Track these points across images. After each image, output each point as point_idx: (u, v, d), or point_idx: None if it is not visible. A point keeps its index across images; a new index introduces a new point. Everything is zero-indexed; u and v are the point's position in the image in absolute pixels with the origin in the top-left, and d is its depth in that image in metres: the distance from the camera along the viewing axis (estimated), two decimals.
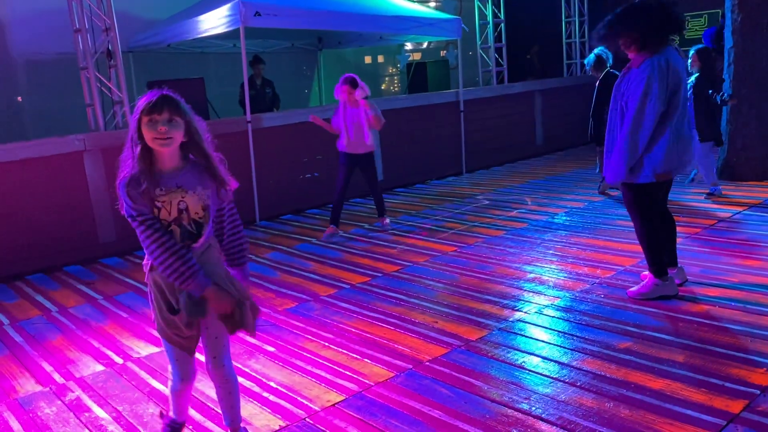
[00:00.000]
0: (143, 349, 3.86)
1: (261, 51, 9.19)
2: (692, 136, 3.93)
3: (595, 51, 6.99)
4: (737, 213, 5.83)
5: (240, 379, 3.35)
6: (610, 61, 7.01)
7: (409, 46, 11.95)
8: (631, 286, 4.20)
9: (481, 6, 10.61)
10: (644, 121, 3.67)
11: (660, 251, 4.00)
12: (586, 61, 7.44)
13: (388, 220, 6.39)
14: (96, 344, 4.00)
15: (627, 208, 4.08)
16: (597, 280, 4.43)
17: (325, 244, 5.96)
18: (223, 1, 7.05)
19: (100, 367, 3.65)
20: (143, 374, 3.52)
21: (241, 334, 2.43)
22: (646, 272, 4.16)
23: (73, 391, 3.38)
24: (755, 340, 3.35)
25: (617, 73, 6.27)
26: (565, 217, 6.24)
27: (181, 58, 8.85)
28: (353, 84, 5.82)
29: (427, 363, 3.39)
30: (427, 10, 9.30)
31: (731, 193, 6.62)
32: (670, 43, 3.77)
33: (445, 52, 12.38)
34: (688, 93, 5.30)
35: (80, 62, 6.34)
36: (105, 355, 3.82)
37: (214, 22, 6.90)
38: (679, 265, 4.23)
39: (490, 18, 10.55)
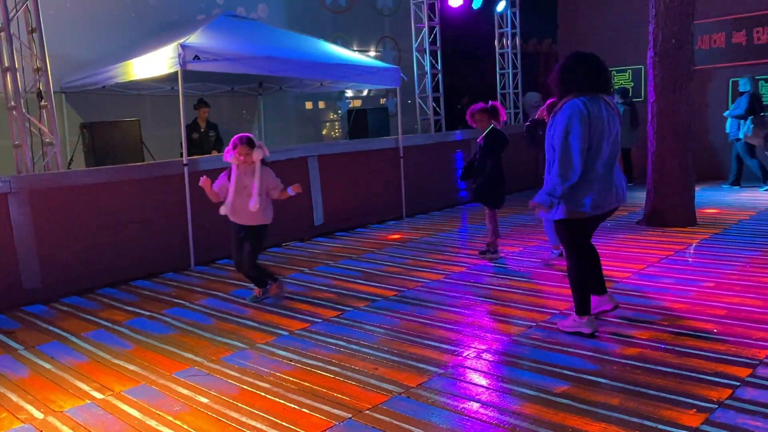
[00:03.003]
0: (66, 403, 3.64)
1: (200, 94, 9.12)
2: (616, 180, 4.08)
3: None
4: (664, 258, 6.07)
5: None
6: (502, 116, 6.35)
7: (349, 93, 12.12)
8: (567, 330, 4.30)
9: (419, 57, 10.92)
10: (572, 157, 3.88)
11: (586, 289, 4.18)
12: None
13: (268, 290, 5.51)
14: (14, 398, 3.74)
15: (562, 244, 4.30)
16: (534, 324, 4.50)
17: None
18: (161, 43, 7.01)
19: (18, 423, 3.41)
20: (65, 430, 3.31)
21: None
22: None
23: None
24: (684, 381, 3.45)
25: (500, 130, 6.30)
26: (502, 262, 6.34)
27: (116, 100, 8.67)
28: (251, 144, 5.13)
29: (367, 411, 3.33)
30: (368, 59, 9.49)
31: (659, 239, 6.90)
32: (596, 92, 3.98)
33: (384, 100, 12.61)
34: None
35: (8, 102, 6.12)
36: (24, 410, 3.58)
37: (152, 65, 6.82)
38: (608, 292, 4.43)
39: (428, 68, 10.86)
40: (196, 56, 6.44)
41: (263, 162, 5.20)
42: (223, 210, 5.23)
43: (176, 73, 6.51)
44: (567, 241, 4.19)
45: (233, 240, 5.33)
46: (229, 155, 5.12)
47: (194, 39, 6.78)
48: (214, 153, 8.31)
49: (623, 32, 11.24)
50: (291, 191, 5.27)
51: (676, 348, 3.92)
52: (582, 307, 4.17)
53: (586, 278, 4.18)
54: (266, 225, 5.31)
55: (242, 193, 5.13)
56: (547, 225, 5.92)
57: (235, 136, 5.17)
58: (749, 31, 10.49)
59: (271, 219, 5.34)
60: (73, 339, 4.77)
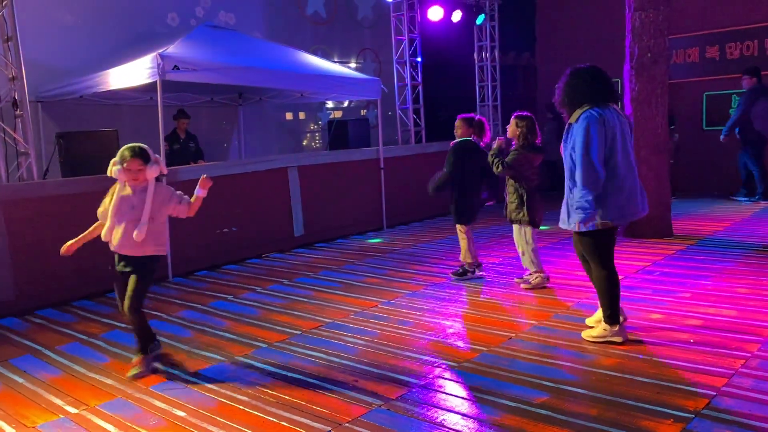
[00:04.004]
0: (39, 418, 3.56)
1: (179, 104, 9.06)
2: (638, 188, 4.22)
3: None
4: (642, 269, 6.13)
5: None
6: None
7: (330, 104, 12.13)
8: (546, 340, 4.33)
9: (399, 69, 10.98)
10: (595, 165, 3.98)
11: (617, 299, 4.23)
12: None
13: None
14: None
15: (588, 256, 4.29)
16: (513, 335, 4.51)
17: (241, 302, 5.79)
18: (140, 53, 6.96)
19: None
20: None
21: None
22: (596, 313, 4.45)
23: None
24: (662, 391, 3.48)
25: (474, 142, 5.97)
26: (481, 272, 6.35)
27: (94, 110, 8.56)
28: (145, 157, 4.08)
29: (347, 424, 3.30)
30: (348, 71, 9.51)
31: (636, 250, 6.98)
32: (605, 103, 4.12)
33: (365, 111, 12.63)
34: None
35: None
36: None
37: (130, 75, 6.76)
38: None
39: (408, 80, 10.92)
40: (175, 66, 6.40)
41: (157, 179, 4.15)
42: (105, 236, 4.12)
43: (155, 83, 6.47)
44: (595, 252, 4.21)
45: (118, 276, 4.17)
46: (117, 169, 4.04)
47: (173, 49, 6.74)
48: (201, 163, 8.26)
49: (600, 46, 11.40)
50: (200, 191, 4.22)
51: (654, 358, 3.95)
52: (613, 317, 4.21)
53: (617, 287, 4.23)
54: (158, 257, 4.20)
55: (126, 216, 4.04)
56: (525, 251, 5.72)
57: (124, 147, 4.09)
58: (722, 46, 10.70)
59: (167, 250, 4.39)
60: (47, 352, 4.68)
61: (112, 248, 4.14)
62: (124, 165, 4.02)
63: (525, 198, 5.59)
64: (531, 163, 5.61)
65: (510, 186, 5.69)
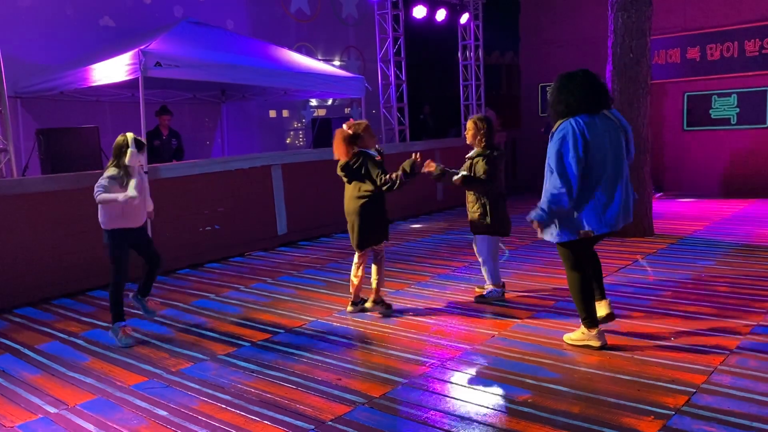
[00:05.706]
0: (18, 418, 3.52)
1: (161, 101, 8.99)
2: (622, 198, 3.97)
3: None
4: (623, 268, 6.19)
5: None
6: None
7: (314, 102, 12.10)
8: (528, 338, 4.36)
9: (383, 67, 10.97)
10: (568, 175, 3.81)
11: (590, 302, 4.14)
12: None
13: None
14: None
15: (565, 262, 4.17)
16: (496, 333, 4.53)
17: (224, 300, 5.76)
18: (121, 49, 6.89)
19: None
20: None
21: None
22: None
23: None
24: (642, 389, 3.52)
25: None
26: (465, 271, 6.38)
27: (74, 106, 8.48)
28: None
29: (330, 422, 3.30)
30: (332, 69, 9.49)
31: (617, 249, 7.04)
32: (596, 110, 3.91)
33: (349, 109, 12.62)
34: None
35: None
36: None
37: (112, 71, 6.70)
38: (606, 298, 4.39)
39: (392, 78, 10.92)
40: (157, 63, 6.35)
41: None
42: (118, 222, 4.77)
43: (137, 79, 6.40)
44: (570, 260, 4.11)
45: (125, 252, 4.86)
46: (138, 158, 4.74)
47: (155, 45, 6.69)
48: (175, 162, 8.19)
49: (583, 46, 11.50)
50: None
51: (635, 356, 3.99)
52: (589, 321, 4.13)
53: (590, 292, 4.15)
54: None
55: (142, 194, 4.82)
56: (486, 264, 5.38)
57: (128, 138, 4.74)
58: (703, 47, 10.84)
59: None
60: (27, 351, 4.62)
61: (127, 226, 4.79)
62: (142, 154, 4.78)
63: (488, 206, 5.13)
64: (498, 168, 5.21)
65: (470, 194, 5.21)
